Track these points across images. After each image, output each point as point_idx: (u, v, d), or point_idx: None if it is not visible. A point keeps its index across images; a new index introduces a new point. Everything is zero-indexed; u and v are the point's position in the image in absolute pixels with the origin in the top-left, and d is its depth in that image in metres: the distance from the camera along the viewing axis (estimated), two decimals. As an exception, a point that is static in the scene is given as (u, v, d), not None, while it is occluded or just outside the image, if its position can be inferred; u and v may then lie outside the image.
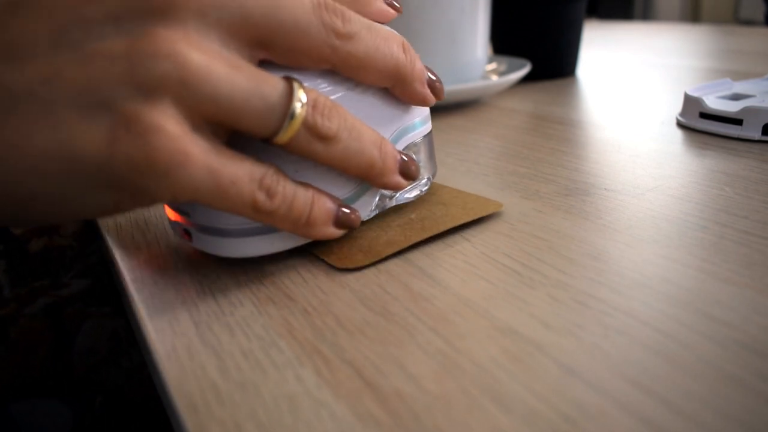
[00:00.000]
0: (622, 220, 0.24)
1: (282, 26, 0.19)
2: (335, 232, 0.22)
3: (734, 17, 2.70)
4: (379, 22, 0.24)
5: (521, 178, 0.30)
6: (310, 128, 0.20)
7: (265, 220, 0.20)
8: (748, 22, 2.49)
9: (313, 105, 0.20)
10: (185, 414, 0.16)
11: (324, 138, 0.20)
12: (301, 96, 0.19)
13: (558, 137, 0.37)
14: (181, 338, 0.19)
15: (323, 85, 0.22)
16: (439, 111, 0.46)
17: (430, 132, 0.26)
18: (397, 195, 0.26)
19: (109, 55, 0.17)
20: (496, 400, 0.15)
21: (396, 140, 0.24)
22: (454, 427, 0.14)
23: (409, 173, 0.23)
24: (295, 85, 0.19)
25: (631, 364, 0.16)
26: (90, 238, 0.41)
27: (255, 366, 0.17)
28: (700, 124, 0.35)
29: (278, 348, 0.18)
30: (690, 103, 0.37)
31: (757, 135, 0.33)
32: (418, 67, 0.23)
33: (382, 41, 0.22)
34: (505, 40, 0.58)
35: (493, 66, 0.55)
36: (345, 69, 0.21)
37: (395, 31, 0.24)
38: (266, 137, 0.19)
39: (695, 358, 0.16)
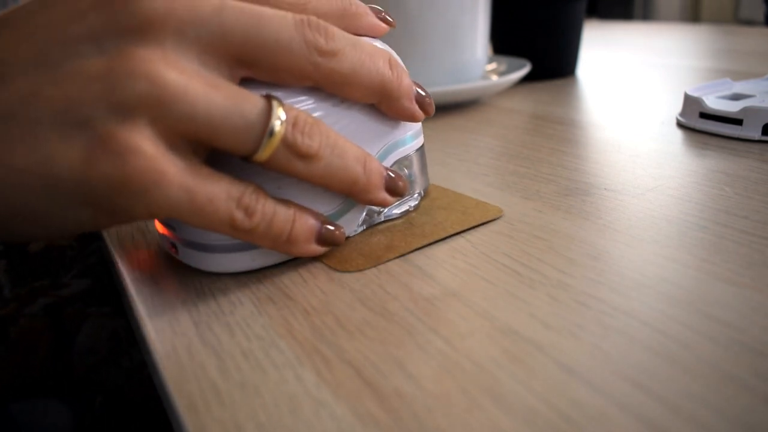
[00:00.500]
0: (622, 220, 0.24)
1: (263, 44, 0.19)
2: (317, 249, 0.22)
3: (734, 17, 2.70)
4: (371, 37, 0.24)
5: (521, 178, 0.30)
6: (289, 146, 0.19)
7: (245, 238, 0.20)
8: (748, 22, 2.49)
9: (293, 123, 0.19)
10: (185, 414, 0.16)
11: (304, 156, 0.20)
12: (280, 114, 0.19)
13: (558, 137, 0.37)
14: (181, 338, 0.19)
15: (308, 101, 0.21)
16: (439, 111, 0.46)
17: (422, 146, 0.26)
18: (386, 210, 0.25)
19: (87, 75, 0.17)
20: (496, 400, 0.15)
21: (386, 155, 0.24)
22: (454, 427, 0.14)
23: (396, 190, 0.23)
24: (275, 102, 0.19)
25: (631, 364, 0.16)
26: (90, 238, 0.41)
27: (255, 366, 0.17)
28: (700, 124, 0.35)
29: (278, 348, 0.18)
30: (690, 103, 0.37)
31: (757, 135, 0.33)
32: (405, 83, 0.23)
33: (367, 57, 0.21)
34: (505, 40, 0.58)
35: (493, 66, 0.55)
36: (329, 86, 0.21)
37: (385, 46, 0.24)
38: (245, 155, 0.19)
39: (695, 358, 0.16)
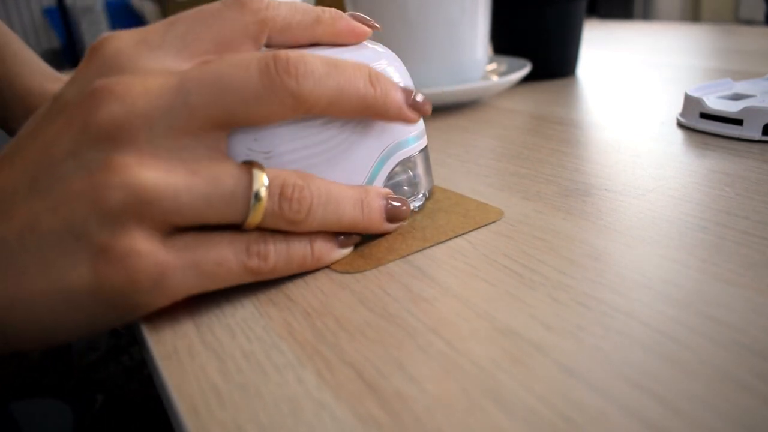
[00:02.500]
0: (622, 221, 0.24)
1: (231, 109, 0.19)
2: (344, 252, 0.23)
3: (734, 17, 2.69)
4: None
5: (521, 178, 0.30)
6: (279, 215, 0.20)
7: (272, 277, 0.21)
8: (749, 22, 2.49)
9: (280, 192, 0.20)
10: (186, 416, 0.16)
11: (296, 221, 0.20)
12: (263, 180, 0.19)
13: (558, 138, 0.37)
14: (182, 340, 0.19)
15: None
16: (439, 111, 0.46)
17: (426, 147, 0.26)
18: None
19: (75, 194, 0.18)
20: (496, 401, 0.15)
21: (389, 156, 0.24)
22: (455, 428, 0.14)
23: (397, 217, 0.24)
24: (256, 171, 0.19)
25: (631, 365, 0.16)
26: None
27: (256, 368, 0.17)
28: (701, 124, 0.35)
29: (279, 350, 0.18)
30: (690, 103, 0.37)
31: (757, 135, 0.33)
32: (390, 96, 0.22)
33: (345, 81, 0.21)
34: (505, 40, 0.58)
35: (493, 66, 0.55)
36: (313, 113, 0.21)
37: (385, 50, 0.24)
38: (237, 224, 0.20)
39: (696, 359, 0.16)
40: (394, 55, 0.25)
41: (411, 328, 0.18)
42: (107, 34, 0.20)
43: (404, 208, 0.24)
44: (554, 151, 0.34)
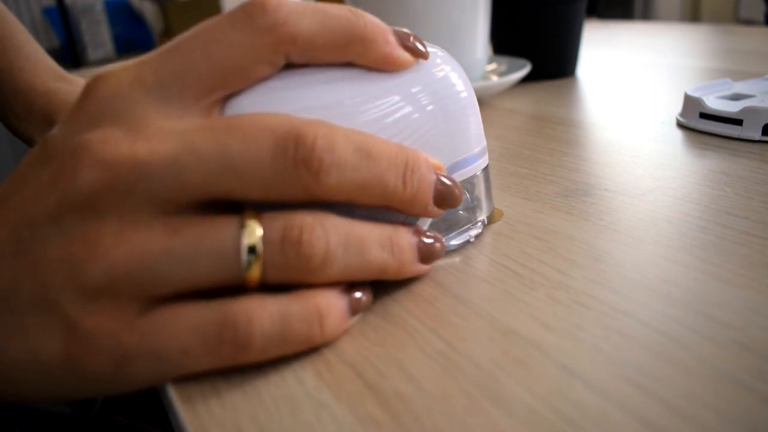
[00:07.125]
0: (622, 221, 0.24)
1: (231, 188, 0.17)
2: (354, 320, 0.19)
3: (734, 17, 2.69)
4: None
5: (521, 179, 0.30)
6: (282, 267, 0.17)
7: (257, 361, 0.17)
8: (748, 22, 2.49)
9: (282, 235, 0.17)
10: (186, 416, 0.16)
11: (309, 270, 0.17)
12: (256, 231, 0.17)
13: (558, 138, 0.37)
14: (182, 339, 0.19)
15: (365, 112, 0.19)
16: (439, 111, 0.46)
17: (488, 165, 0.23)
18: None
19: (52, 261, 0.16)
20: (496, 401, 0.15)
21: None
22: (455, 428, 0.14)
23: (432, 256, 0.20)
24: (248, 221, 0.17)
25: (631, 365, 0.16)
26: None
27: (255, 367, 0.17)
28: (701, 124, 0.35)
29: (279, 349, 0.18)
30: (690, 103, 0.37)
31: (757, 135, 0.33)
32: (419, 197, 0.19)
33: (374, 178, 0.18)
34: (505, 40, 0.58)
35: (493, 66, 0.55)
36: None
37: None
38: (237, 285, 0.17)
39: (696, 359, 0.16)
40: (453, 59, 0.22)
41: (411, 329, 0.18)
42: (103, 71, 0.18)
43: (438, 245, 0.20)
44: (554, 151, 0.34)
